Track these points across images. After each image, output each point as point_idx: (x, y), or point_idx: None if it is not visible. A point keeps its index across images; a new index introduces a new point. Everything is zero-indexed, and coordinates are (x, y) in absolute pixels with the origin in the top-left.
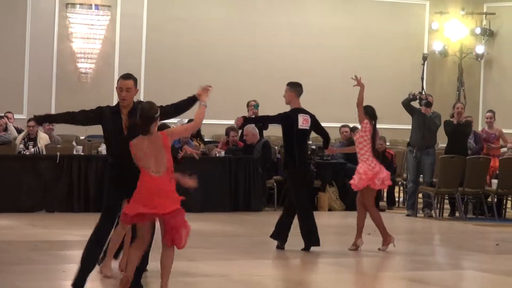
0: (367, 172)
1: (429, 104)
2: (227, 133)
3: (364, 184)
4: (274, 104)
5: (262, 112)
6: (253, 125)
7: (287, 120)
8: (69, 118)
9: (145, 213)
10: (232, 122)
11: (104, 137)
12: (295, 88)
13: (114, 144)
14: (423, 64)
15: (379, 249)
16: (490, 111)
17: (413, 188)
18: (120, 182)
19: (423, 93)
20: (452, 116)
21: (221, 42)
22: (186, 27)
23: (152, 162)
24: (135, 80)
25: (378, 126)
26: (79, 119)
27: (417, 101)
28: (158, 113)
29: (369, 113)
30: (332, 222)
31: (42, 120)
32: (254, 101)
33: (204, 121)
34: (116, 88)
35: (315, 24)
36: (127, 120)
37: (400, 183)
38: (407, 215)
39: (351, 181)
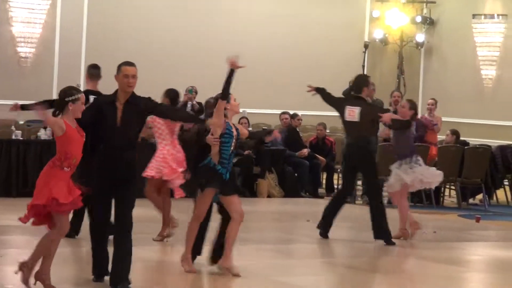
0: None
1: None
2: None
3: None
4: (214, 89)
5: (201, 97)
6: None
7: None
8: None
9: None
10: None
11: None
12: (88, 70)
13: (108, 134)
14: (364, 52)
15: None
16: (433, 99)
17: None
18: (108, 171)
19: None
20: (391, 105)
21: (162, 27)
22: (127, 12)
23: None
24: None
25: (319, 113)
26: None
27: None
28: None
29: (170, 96)
30: (271, 208)
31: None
32: (191, 86)
33: None
34: (117, 75)
35: (256, 11)
36: (122, 110)
37: (339, 170)
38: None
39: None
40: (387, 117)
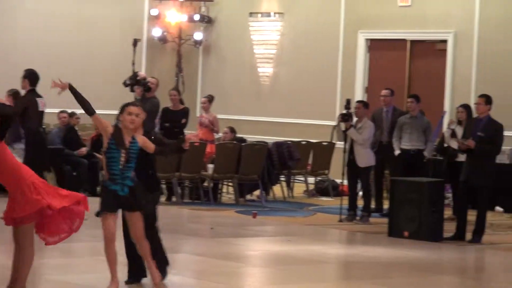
0: None
1: (148, 89)
2: None
3: None
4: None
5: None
6: None
7: None
8: None
9: None
10: None
11: None
12: None
13: None
14: (134, 49)
15: None
16: (206, 96)
17: None
18: None
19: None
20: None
21: None
22: None
23: None
24: None
25: (98, 112)
26: None
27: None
28: None
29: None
30: None
31: None
32: None
33: None
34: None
35: (35, 8)
36: None
37: None
38: None
39: None
40: None
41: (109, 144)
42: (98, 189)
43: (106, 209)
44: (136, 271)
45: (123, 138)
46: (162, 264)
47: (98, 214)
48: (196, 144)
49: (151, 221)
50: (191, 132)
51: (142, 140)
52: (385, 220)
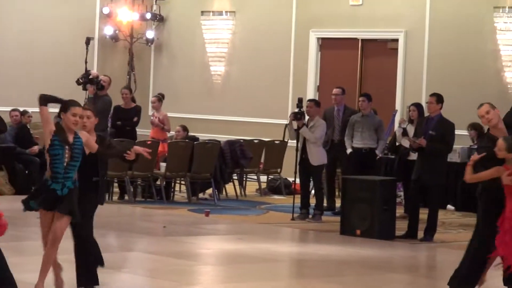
0: None
1: (101, 87)
2: None
3: None
4: None
5: None
6: None
7: None
8: None
9: None
10: None
11: None
12: None
13: None
14: (87, 48)
15: None
16: (156, 95)
17: None
18: None
19: (90, 75)
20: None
21: None
22: None
23: None
24: None
25: (56, 110)
26: None
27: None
28: None
29: None
30: (2, 207)
31: None
32: None
33: None
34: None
35: None
36: None
37: None
38: None
39: None
40: None
41: (53, 141)
42: None
43: (42, 206)
44: (86, 276)
45: (66, 135)
46: (90, 276)
47: (26, 205)
48: (148, 143)
49: (85, 231)
50: (143, 131)
51: (85, 137)
52: (338, 218)
